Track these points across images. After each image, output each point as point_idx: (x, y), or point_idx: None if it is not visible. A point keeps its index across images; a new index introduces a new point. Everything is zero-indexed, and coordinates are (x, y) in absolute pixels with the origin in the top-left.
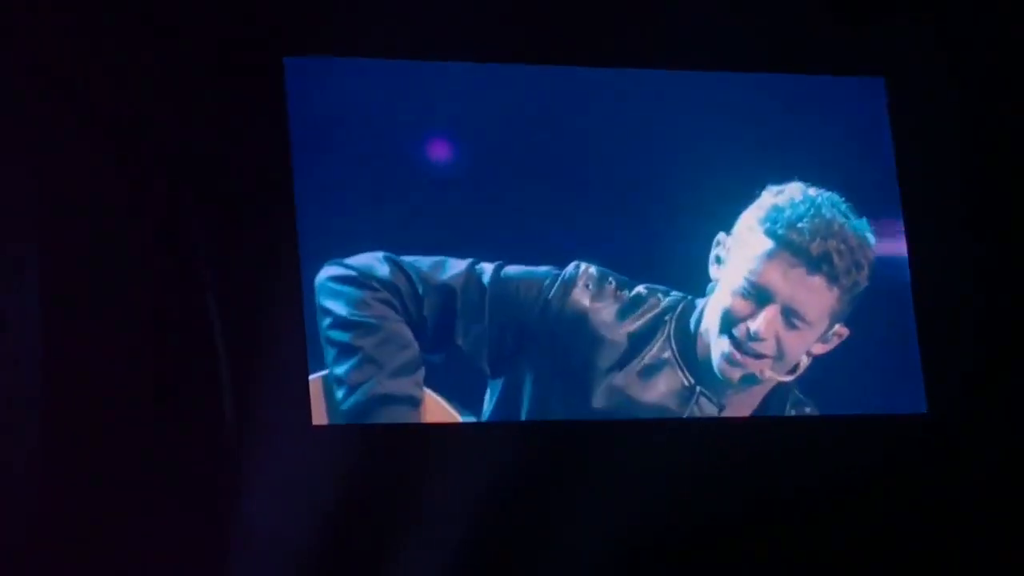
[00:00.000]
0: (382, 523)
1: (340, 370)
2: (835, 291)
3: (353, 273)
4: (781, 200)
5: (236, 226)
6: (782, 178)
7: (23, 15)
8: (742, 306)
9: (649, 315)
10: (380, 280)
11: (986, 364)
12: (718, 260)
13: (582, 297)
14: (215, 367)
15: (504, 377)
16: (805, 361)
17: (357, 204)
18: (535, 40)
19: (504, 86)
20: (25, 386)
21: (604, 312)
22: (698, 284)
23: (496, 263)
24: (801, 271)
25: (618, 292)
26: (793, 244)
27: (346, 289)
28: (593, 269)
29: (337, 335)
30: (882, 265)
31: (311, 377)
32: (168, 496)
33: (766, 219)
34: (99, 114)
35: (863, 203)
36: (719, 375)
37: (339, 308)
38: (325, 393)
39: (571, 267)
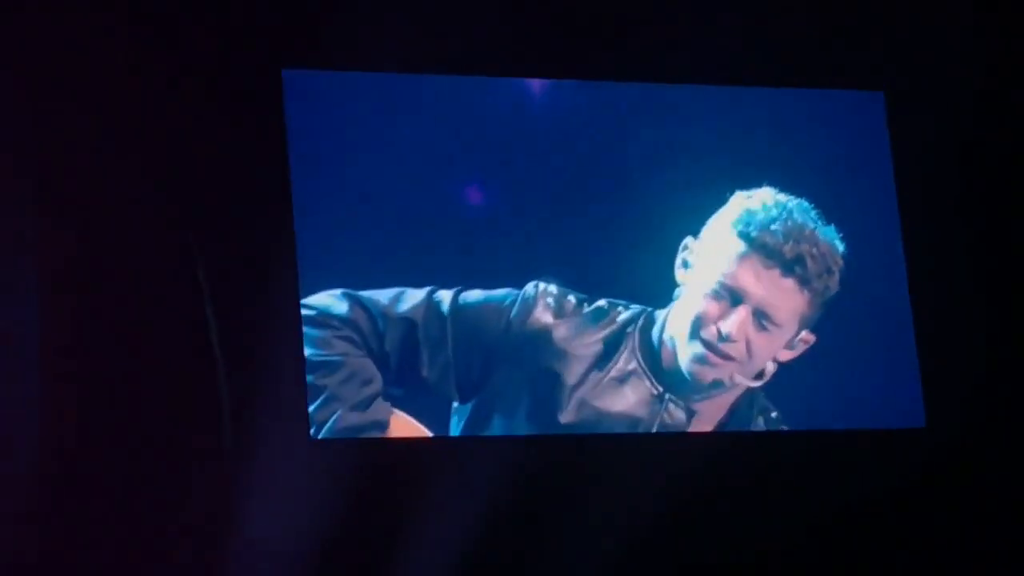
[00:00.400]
0: (380, 536)
1: (308, 409)
2: (806, 295)
3: (312, 313)
4: (753, 204)
5: (235, 239)
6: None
7: (25, 26)
8: (713, 308)
9: (611, 328)
10: (339, 318)
11: (985, 378)
12: (685, 264)
13: (544, 316)
14: (213, 380)
15: (472, 402)
16: (771, 368)
17: (355, 218)
18: (534, 53)
19: (494, 98)
20: (22, 399)
21: (566, 328)
22: (658, 296)
23: (454, 289)
24: (775, 272)
25: (578, 308)
26: (767, 246)
27: (307, 330)
28: (552, 287)
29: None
30: (880, 278)
31: None
32: (166, 509)
33: (739, 221)
34: (98, 125)
35: (862, 216)
36: (689, 377)
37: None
38: None
39: (530, 287)
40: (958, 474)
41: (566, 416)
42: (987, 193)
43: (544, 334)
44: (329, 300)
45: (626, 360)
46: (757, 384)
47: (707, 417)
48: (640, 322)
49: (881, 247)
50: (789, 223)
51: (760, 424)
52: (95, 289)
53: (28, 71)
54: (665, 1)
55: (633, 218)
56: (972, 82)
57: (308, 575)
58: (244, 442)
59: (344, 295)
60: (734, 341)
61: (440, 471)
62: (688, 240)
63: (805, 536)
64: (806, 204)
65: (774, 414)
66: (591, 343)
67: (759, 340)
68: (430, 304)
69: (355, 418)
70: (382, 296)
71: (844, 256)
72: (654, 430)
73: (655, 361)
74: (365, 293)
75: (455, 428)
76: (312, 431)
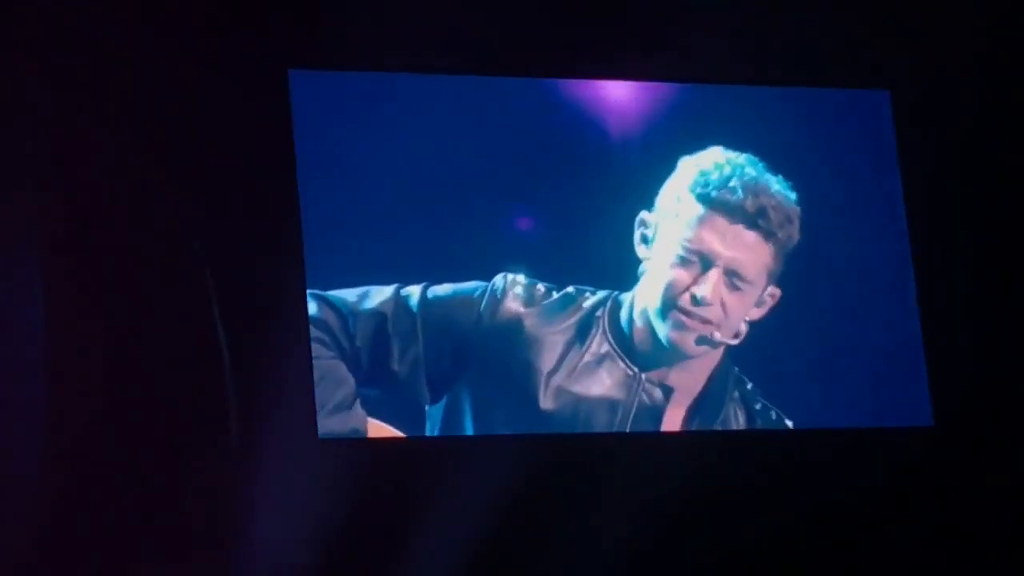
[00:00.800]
0: (386, 535)
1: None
2: (770, 247)
3: None
4: (704, 164)
5: (241, 238)
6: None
7: (32, 23)
8: (684, 275)
9: (581, 313)
10: (309, 319)
11: (993, 377)
12: (645, 240)
13: (514, 306)
14: (220, 379)
15: (445, 398)
16: (744, 328)
17: (362, 218)
18: (541, 52)
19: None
20: (27, 399)
21: (537, 317)
22: (623, 278)
23: (422, 284)
24: (739, 228)
25: (547, 296)
26: (728, 204)
27: None
28: (520, 277)
29: None
30: (887, 277)
31: None
32: (171, 508)
33: (695, 185)
34: (104, 124)
35: (868, 214)
36: (670, 347)
37: None
38: None
39: (499, 279)
40: (966, 473)
41: (544, 404)
42: (993, 191)
43: (515, 324)
44: None
45: (598, 343)
46: (736, 342)
47: (684, 391)
48: (608, 305)
49: (888, 245)
50: (745, 178)
51: (736, 397)
52: (100, 289)
53: (35, 68)
54: (668, 0)
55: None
56: (978, 80)
57: (314, 574)
58: (251, 441)
59: (312, 296)
60: (710, 304)
61: (448, 470)
62: (643, 215)
63: (811, 535)
64: (753, 158)
65: (749, 386)
66: (562, 330)
67: (732, 300)
68: (398, 299)
69: (334, 423)
70: (350, 295)
71: (798, 203)
72: (632, 411)
73: (627, 342)
74: (332, 292)
75: (431, 428)
76: None
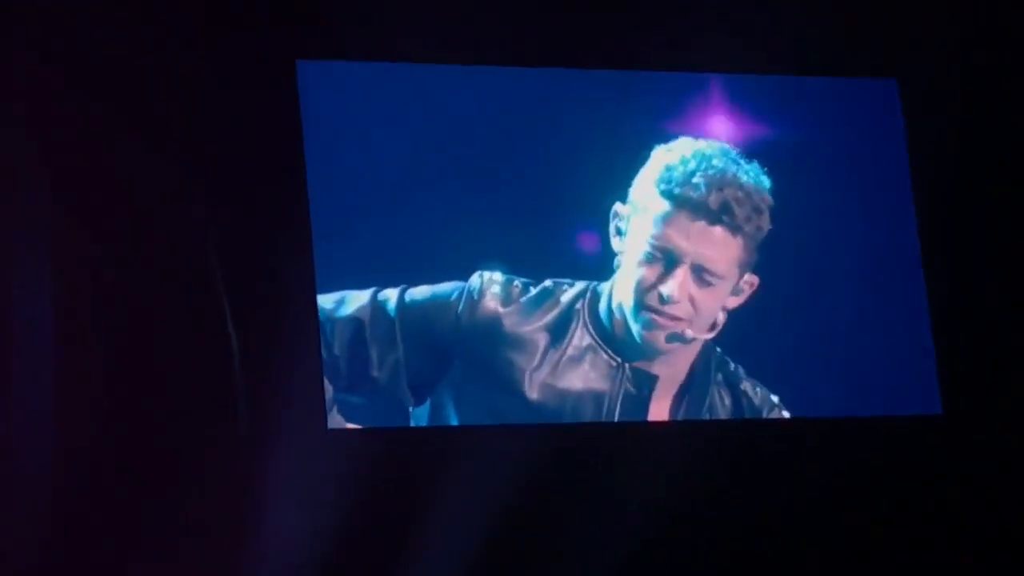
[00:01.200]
0: (396, 525)
1: None
2: (739, 240)
3: None
4: (671, 159)
5: (250, 229)
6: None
7: (39, 17)
8: (651, 273)
9: (560, 307)
10: None
11: (1001, 365)
12: (619, 232)
13: (492, 305)
14: (230, 369)
15: (429, 400)
16: (722, 318)
17: (371, 209)
18: (549, 42)
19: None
20: (38, 395)
21: (516, 315)
22: (601, 269)
23: (399, 288)
24: (702, 225)
25: (525, 292)
26: (691, 200)
27: None
28: (497, 275)
29: None
30: (895, 265)
31: None
32: (181, 498)
33: (660, 180)
34: (111, 116)
35: (877, 204)
36: (641, 343)
37: None
38: None
39: (475, 278)
40: (975, 462)
41: (530, 400)
42: (1002, 179)
43: (495, 324)
44: None
45: (580, 336)
46: (711, 336)
47: (669, 380)
48: (587, 297)
49: (896, 233)
50: (710, 171)
51: (720, 379)
52: (109, 279)
53: (42, 62)
54: None
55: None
56: (985, 68)
57: (324, 564)
58: (260, 432)
59: None
60: (677, 302)
61: (457, 459)
62: (617, 206)
63: (820, 525)
64: (726, 147)
65: (732, 367)
66: (542, 325)
67: (703, 296)
68: (376, 304)
69: None
70: (326, 301)
71: (771, 191)
72: (619, 401)
73: (608, 332)
74: None
75: None
76: None
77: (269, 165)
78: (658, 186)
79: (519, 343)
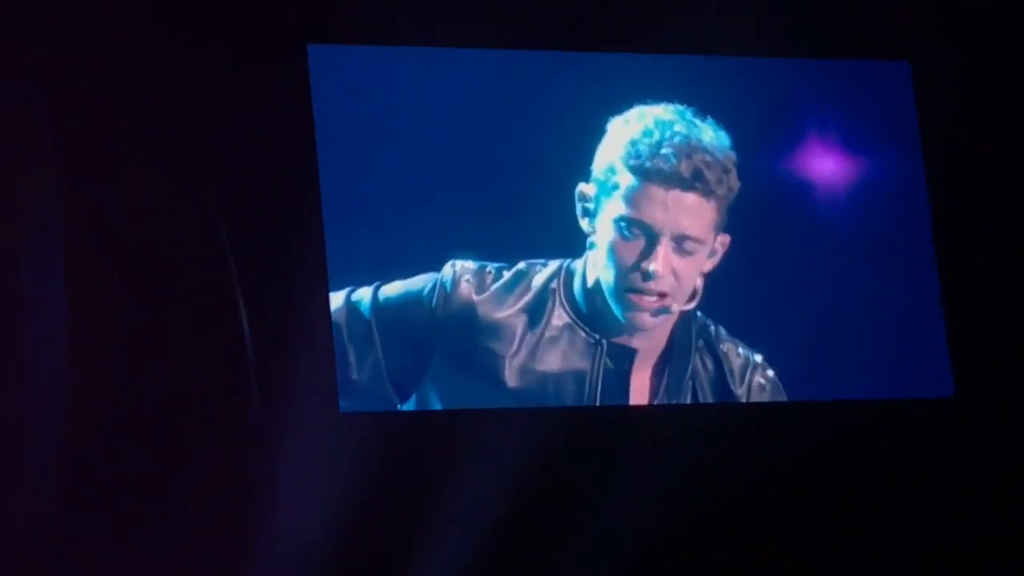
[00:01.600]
0: (408, 507)
1: None
2: (712, 203)
3: None
4: (634, 131)
5: (261, 215)
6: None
7: (45, 5)
8: (630, 250)
9: (535, 289)
10: None
11: (1014, 346)
12: (587, 213)
13: (466, 295)
14: (242, 354)
15: (415, 395)
16: (700, 283)
17: (383, 194)
18: (562, 25)
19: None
20: (52, 385)
21: (490, 301)
22: (575, 246)
23: (373, 286)
24: (676, 194)
25: (498, 277)
26: (663, 172)
27: None
28: (469, 263)
29: None
30: (907, 247)
31: None
32: (194, 483)
33: (627, 156)
34: (121, 101)
35: (889, 187)
36: (627, 322)
37: None
38: None
39: (447, 269)
40: (987, 445)
41: (510, 385)
42: (1015, 161)
43: (470, 313)
44: None
45: (557, 317)
46: (693, 305)
47: (648, 352)
48: (561, 276)
49: (908, 216)
50: (676, 139)
51: (701, 345)
52: (120, 264)
53: (51, 46)
54: None
55: None
56: (997, 49)
57: (336, 548)
58: (272, 416)
59: None
60: (662, 276)
61: (468, 441)
62: (581, 187)
63: (829, 508)
64: (680, 107)
65: (712, 329)
66: (518, 310)
67: (684, 265)
68: (350, 306)
69: None
70: None
71: (733, 147)
72: (599, 378)
73: (584, 311)
74: None
75: None
76: None
77: (280, 150)
78: (626, 162)
79: (495, 330)
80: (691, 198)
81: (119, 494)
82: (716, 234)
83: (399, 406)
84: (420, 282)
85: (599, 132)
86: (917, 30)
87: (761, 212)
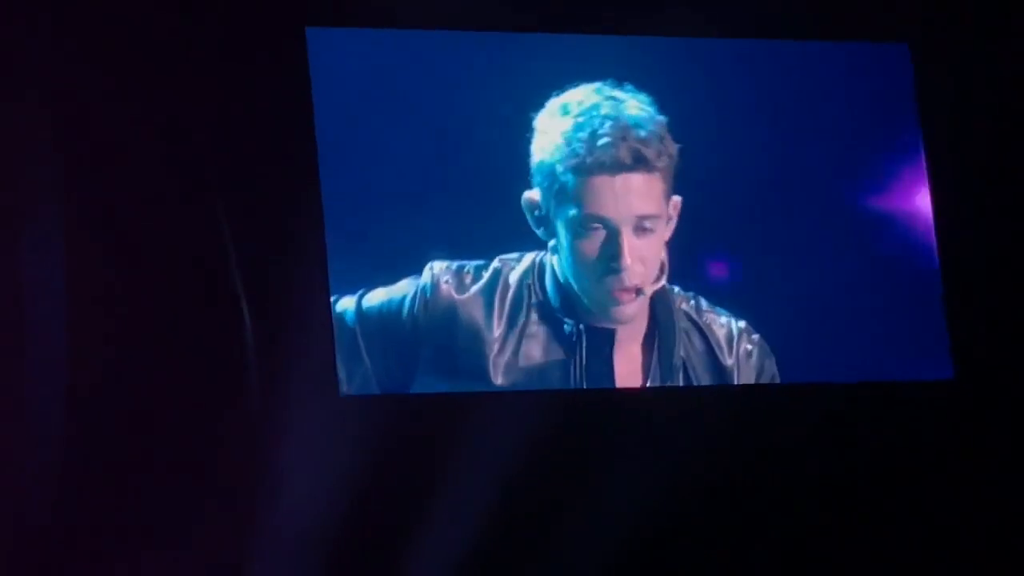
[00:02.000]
0: (409, 492)
1: None
2: (657, 176)
3: None
4: (564, 128)
5: (260, 199)
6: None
7: None
8: (591, 246)
9: (512, 287)
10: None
11: (1014, 329)
12: (540, 221)
13: (446, 297)
14: (242, 338)
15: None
16: (664, 255)
17: (383, 178)
18: (563, 7)
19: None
20: (52, 376)
21: (471, 300)
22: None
23: (357, 295)
24: (622, 179)
25: (477, 277)
26: (604, 164)
27: None
28: (446, 264)
29: None
30: (907, 230)
31: None
32: (194, 466)
33: (565, 159)
34: (119, 86)
35: (889, 169)
36: (613, 317)
37: None
38: None
39: (425, 273)
40: (986, 428)
41: (497, 383)
42: (1015, 142)
43: (451, 316)
44: None
45: (535, 312)
46: (663, 281)
47: (628, 332)
48: (535, 271)
49: (907, 198)
50: (607, 124)
51: (685, 323)
52: (119, 249)
53: (46, 33)
54: None
55: None
56: (997, 31)
57: (337, 531)
58: (272, 400)
59: None
60: (630, 268)
61: (469, 424)
62: (527, 196)
63: (827, 492)
64: (599, 84)
65: (691, 301)
66: (497, 310)
67: (647, 245)
68: (336, 317)
69: None
70: None
71: (658, 108)
72: (583, 365)
73: (558, 302)
74: None
75: None
76: None
77: (279, 134)
78: (566, 164)
79: (478, 332)
80: (637, 179)
81: (119, 477)
82: (667, 201)
83: None
84: (401, 289)
85: None
86: (916, 12)
87: (753, 198)
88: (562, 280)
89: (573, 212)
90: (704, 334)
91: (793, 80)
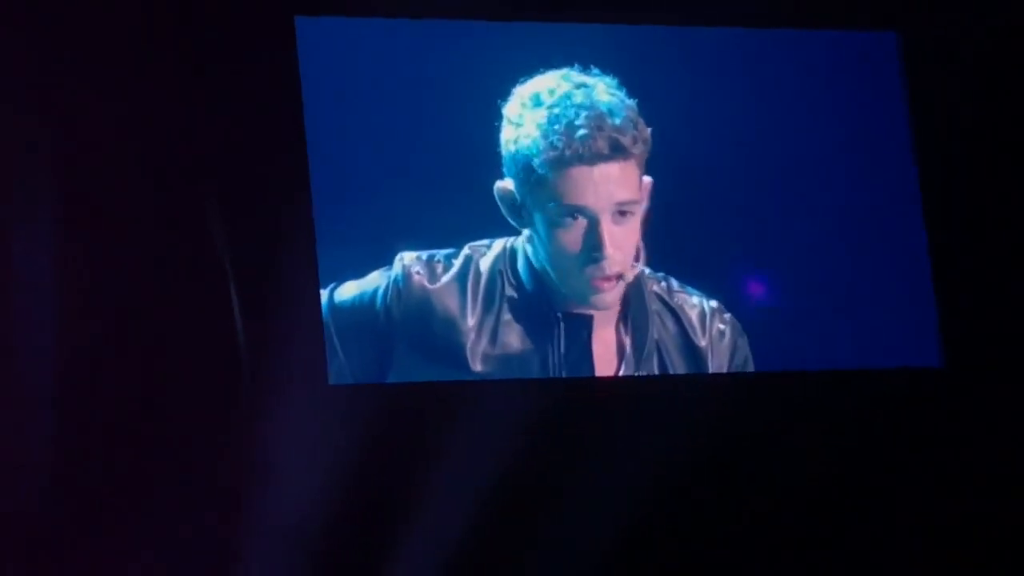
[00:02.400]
0: (398, 480)
1: None
2: (632, 163)
3: None
4: (538, 120)
5: (248, 189)
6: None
7: None
8: (571, 236)
9: (485, 272)
10: None
11: (1002, 317)
12: (514, 211)
13: (419, 285)
14: (231, 327)
15: None
16: (639, 239)
17: (372, 168)
18: None
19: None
20: (41, 371)
21: (444, 290)
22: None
23: (329, 288)
24: (600, 169)
25: (448, 267)
26: (583, 156)
27: None
28: (416, 254)
29: None
30: (896, 218)
31: None
32: (183, 458)
33: (543, 151)
34: (105, 78)
35: (877, 158)
36: (592, 305)
37: None
38: None
39: (396, 265)
40: (975, 417)
41: (476, 371)
42: (1003, 132)
43: (426, 305)
44: None
45: (509, 299)
46: (640, 265)
47: (604, 316)
48: (506, 256)
49: (896, 187)
50: (583, 114)
51: (657, 306)
52: (107, 242)
53: (33, 26)
54: None
55: None
56: (985, 20)
57: (324, 521)
58: (262, 389)
59: None
60: (611, 256)
61: (460, 414)
62: (499, 186)
63: (815, 480)
64: (567, 71)
65: (662, 283)
66: (471, 296)
67: (625, 232)
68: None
69: None
70: None
71: (625, 92)
72: (562, 351)
73: (533, 288)
74: None
75: None
76: None
77: (267, 124)
78: (544, 155)
79: (452, 321)
80: (615, 168)
81: (107, 466)
82: (640, 182)
83: None
84: (373, 281)
85: None
86: (905, 1)
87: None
88: (538, 267)
89: (551, 203)
90: (677, 315)
91: (779, 68)
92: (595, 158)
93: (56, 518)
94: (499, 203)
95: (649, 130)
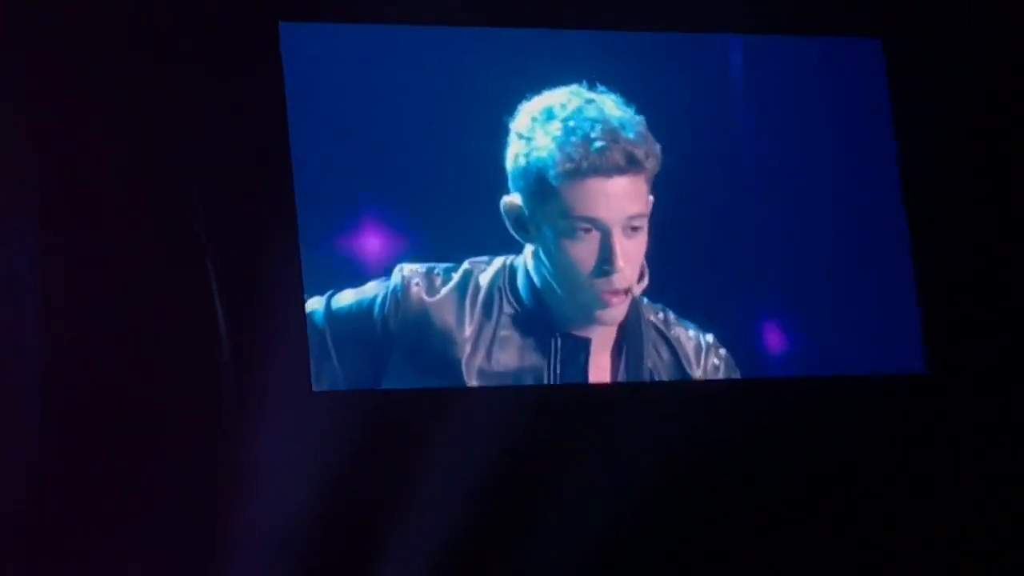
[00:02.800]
0: (382, 487)
1: None
2: (642, 177)
3: None
4: (554, 132)
5: (233, 195)
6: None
7: None
8: (582, 249)
9: (483, 290)
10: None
11: (986, 322)
12: (521, 225)
13: (417, 301)
14: (215, 334)
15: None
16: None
17: (356, 174)
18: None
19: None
20: (26, 373)
21: (441, 306)
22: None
23: (326, 295)
24: (613, 181)
25: (447, 280)
26: (598, 168)
27: None
28: (416, 266)
29: None
30: (880, 224)
31: None
32: (167, 462)
33: (559, 163)
34: (92, 84)
35: (861, 164)
36: (598, 320)
37: None
38: None
39: (396, 275)
40: (959, 422)
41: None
42: (986, 138)
43: (423, 317)
44: None
45: (506, 316)
46: (644, 284)
47: (602, 340)
48: (506, 273)
49: (880, 192)
50: (598, 127)
51: (653, 334)
52: (93, 247)
53: (20, 27)
54: None
55: None
56: (970, 27)
57: (311, 527)
58: (245, 395)
59: None
60: (622, 270)
61: (445, 421)
62: (507, 202)
63: (800, 486)
64: (576, 88)
65: (660, 314)
66: (468, 312)
67: (634, 245)
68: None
69: None
70: None
71: (634, 109)
72: (557, 371)
73: (532, 306)
74: None
75: None
76: None
77: (252, 130)
78: (560, 167)
79: (449, 334)
80: (628, 181)
81: (91, 469)
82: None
83: None
84: (371, 290)
85: None
86: (889, 8)
87: (726, 192)
88: (539, 284)
89: (563, 215)
90: (672, 346)
91: (766, 75)
92: (611, 170)
93: (38, 523)
94: (504, 218)
95: (658, 146)
